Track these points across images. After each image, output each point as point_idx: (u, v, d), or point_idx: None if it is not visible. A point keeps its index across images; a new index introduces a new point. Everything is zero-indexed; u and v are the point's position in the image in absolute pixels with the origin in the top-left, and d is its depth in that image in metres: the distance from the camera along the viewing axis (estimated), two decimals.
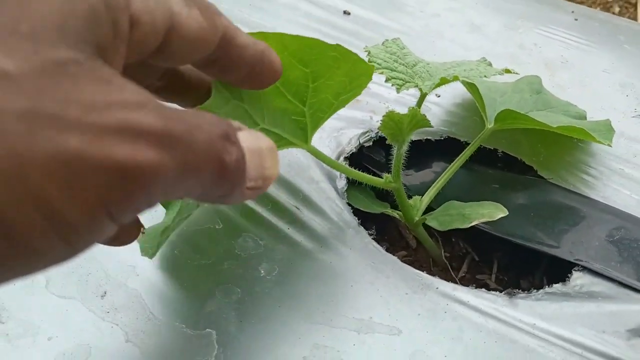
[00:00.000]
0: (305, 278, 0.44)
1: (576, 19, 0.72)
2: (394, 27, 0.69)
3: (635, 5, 1.35)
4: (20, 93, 0.18)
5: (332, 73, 0.37)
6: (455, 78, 0.45)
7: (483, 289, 0.44)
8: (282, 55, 0.32)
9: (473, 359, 0.39)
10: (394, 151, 0.46)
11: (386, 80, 0.44)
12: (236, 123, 0.25)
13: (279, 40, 0.33)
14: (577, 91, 0.61)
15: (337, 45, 0.35)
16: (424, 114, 0.42)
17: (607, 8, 1.38)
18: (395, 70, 0.45)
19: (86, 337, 0.40)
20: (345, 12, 0.71)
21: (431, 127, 0.44)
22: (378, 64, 0.45)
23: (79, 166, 0.18)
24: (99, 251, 0.42)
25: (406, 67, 0.46)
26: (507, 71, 0.47)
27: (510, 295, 0.43)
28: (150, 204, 0.21)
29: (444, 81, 0.45)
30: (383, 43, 0.47)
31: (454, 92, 0.60)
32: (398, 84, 0.44)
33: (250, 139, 0.25)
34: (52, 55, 0.19)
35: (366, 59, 0.45)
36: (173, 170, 0.20)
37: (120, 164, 0.19)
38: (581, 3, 1.39)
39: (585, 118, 0.53)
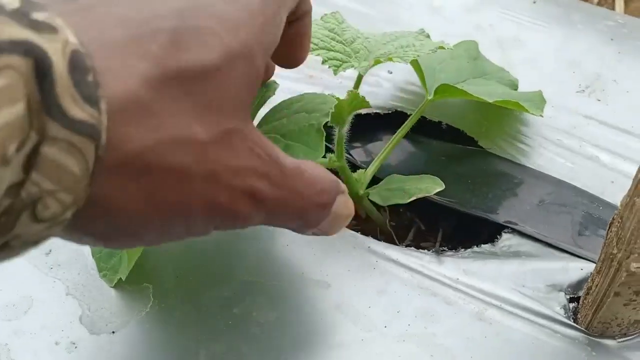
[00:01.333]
0: (244, 239, 0.46)
1: (534, 2, 0.74)
2: (353, 7, 0.71)
3: None
4: (208, 160, 0.25)
5: None
6: (389, 59, 0.46)
7: (412, 248, 0.46)
8: None
9: (395, 310, 0.41)
10: (336, 132, 0.48)
11: (323, 62, 0.46)
12: (342, 186, 0.32)
13: None
14: (526, 69, 0.62)
15: None
16: (362, 96, 0.44)
17: None
18: (332, 50, 0.46)
19: (29, 290, 0.42)
20: None
21: (370, 107, 0.46)
22: (315, 44, 0.46)
23: (215, 213, 0.26)
24: None
25: (344, 44, 0.47)
26: (441, 47, 0.48)
27: (438, 253, 0.45)
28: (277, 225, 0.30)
29: (377, 62, 0.46)
30: (322, 18, 0.48)
31: (407, 68, 0.62)
32: (335, 65, 0.46)
33: (342, 206, 0.31)
34: (227, 125, 0.25)
35: None
36: (263, 222, 0.29)
37: (236, 215, 0.27)
38: None
39: (517, 86, 0.55)
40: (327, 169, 0.52)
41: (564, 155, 0.53)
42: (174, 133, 0.24)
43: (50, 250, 0.44)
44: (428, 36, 0.51)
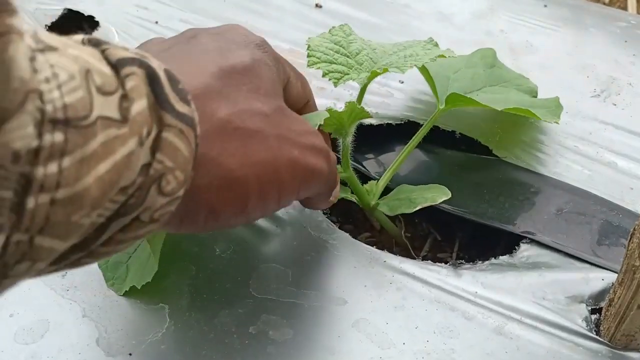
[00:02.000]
0: (259, 255, 0.46)
1: (545, 5, 0.73)
2: (364, 18, 0.71)
3: None
4: (273, 125, 0.35)
5: None
6: (385, 70, 0.46)
7: (429, 261, 0.45)
8: None
9: (413, 325, 0.41)
10: (340, 143, 0.48)
11: (323, 75, 0.46)
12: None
13: None
14: (539, 74, 0.61)
15: None
16: (361, 107, 0.44)
17: None
18: (334, 63, 0.46)
19: (46, 313, 0.42)
20: (317, 5, 0.73)
21: (370, 117, 0.46)
22: (317, 57, 0.46)
23: (297, 166, 0.36)
24: None
25: (348, 56, 0.47)
26: (442, 56, 0.47)
27: (455, 266, 0.44)
28: (312, 193, 0.40)
29: (374, 74, 0.46)
30: (330, 30, 0.48)
31: (418, 78, 0.61)
32: (335, 78, 0.46)
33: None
34: (276, 103, 0.37)
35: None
36: (328, 174, 0.39)
37: (312, 167, 0.37)
38: None
39: (536, 92, 0.54)
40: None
41: (581, 162, 0.52)
42: (244, 106, 0.34)
43: (65, 273, 0.44)
44: (436, 44, 0.50)
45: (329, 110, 0.42)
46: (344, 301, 0.42)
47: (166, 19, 0.69)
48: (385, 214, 0.51)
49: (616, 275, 0.39)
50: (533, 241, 0.47)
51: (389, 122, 0.58)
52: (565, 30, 0.68)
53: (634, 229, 0.36)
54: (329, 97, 0.60)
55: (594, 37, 0.67)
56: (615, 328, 0.39)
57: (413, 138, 0.51)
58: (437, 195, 0.46)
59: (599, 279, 0.43)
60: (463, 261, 0.45)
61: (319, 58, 0.45)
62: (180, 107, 0.28)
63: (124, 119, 0.25)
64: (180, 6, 0.71)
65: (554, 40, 0.67)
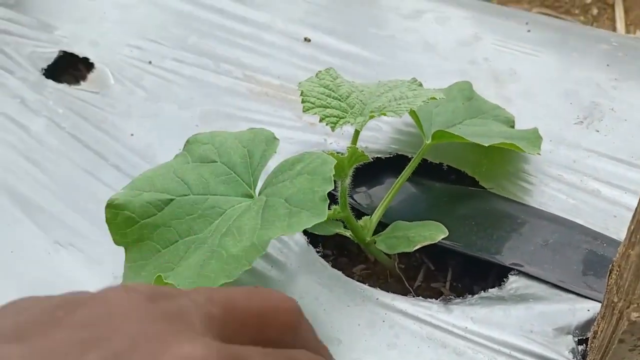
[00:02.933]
0: None
1: (529, 31, 0.74)
2: (352, 50, 0.72)
3: (612, 6, 1.37)
4: None
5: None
6: (382, 113, 0.47)
7: (420, 297, 0.47)
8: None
9: None
10: (339, 185, 0.49)
11: (320, 120, 0.47)
12: None
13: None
14: (522, 102, 0.63)
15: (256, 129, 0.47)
16: (361, 150, 0.45)
17: (585, 10, 1.41)
18: (328, 107, 0.47)
19: None
20: (305, 39, 0.74)
21: (369, 159, 0.47)
22: (312, 102, 0.48)
23: None
24: None
25: (340, 100, 0.49)
26: (433, 98, 0.49)
27: (446, 301, 0.46)
28: None
29: (372, 116, 0.48)
30: (317, 75, 0.50)
31: None
32: (332, 122, 0.47)
33: None
34: None
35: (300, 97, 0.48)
36: None
37: None
38: (559, 7, 1.41)
39: (513, 122, 0.56)
40: (333, 219, 0.54)
41: (565, 191, 0.53)
42: None
43: None
44: (421, 84, 0.52)
45: (333, 154, 0.43)
46: (339, 341, 0.43)
47: (159, 59, 0.71)
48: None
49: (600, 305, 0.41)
50: (521, 272, 0.48)
51: (378, 155, 0.59)
52: (549, 55, 0.70)
53: (612, 266, 0.37)
54: (320, 132, 0.62)
55: (577, 61, 0.69)
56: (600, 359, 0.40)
57: (403, 173, 0.53)
58: (435, 233, 0.48)
59: (585, 310, 0.45)
60: (453, 295, 0.47)
61: (313, 103, 0.47)
62: None
63: None
64: (172, 45, 0.73)
65: (538, 66, 0.68)
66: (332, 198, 0.57)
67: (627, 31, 1.31)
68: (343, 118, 0.47)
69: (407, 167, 0.53)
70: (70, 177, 0.57)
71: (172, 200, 0.44)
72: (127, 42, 0.73)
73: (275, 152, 0.47)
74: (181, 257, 0.41)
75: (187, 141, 0.48)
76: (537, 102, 0.63)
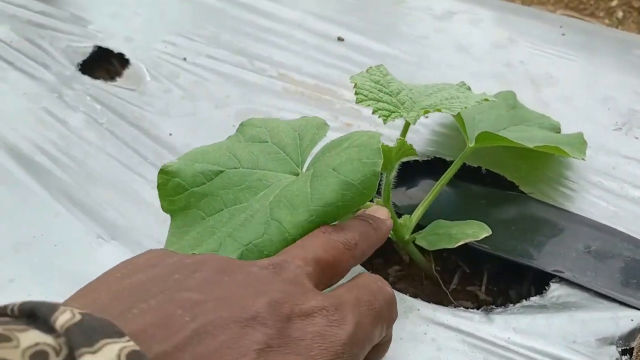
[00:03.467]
0: None
1: (563, 34, 0.74)
2: (385, 50, 0.72)
3: (638, 10, 1.36)
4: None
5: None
6: (437, 109, 0.47)
7: (462, 308, 0.47)
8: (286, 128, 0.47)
9: None
10: (384, 177, 0.49)
11: (373, 112, 0.47)
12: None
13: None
14: (560, 106, 0.63)
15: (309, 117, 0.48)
16: (410, 144, 0.45)
17: (610, 13, 1.40)
18: (380, 101, 0.48)
19: None
20: (339, 39, 0.74)
21: (417, 155, 0.47)
22: (364, 95, 0.48)
23: None
24: None
25: (391, 95, 0.49)
26: (486, 100, 0.49)
27: (487, 311, 0.46)
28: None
29: (426, 112, 0.48)
30: (367, 70, 0.49)
31: (438, 113, 0.63)
32: (384, 115, 0.47)
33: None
34: None
35: (353, 90, 0.48)
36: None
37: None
38: (584, 9, 1.40)
39: (559, 129, 0.55)
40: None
41: (605, 198, 0.53)
42: None
43: None
44: (469, 88, 0.52)
45: (382, 145, 0.43)
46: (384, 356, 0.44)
47: (194, 55, 0.71)
48: (420, 248, 0.53)
49: None
50: (562, 279, 0.48)
51: (416, 158, 0.59)
52: (584, 59, 0.70)
53: None
54: None
55: (613, 66, 0.68)
56: None
57: (444, 174, 0.53)
58: (478, 231, 0.48)
59: (629, 319, 0.45)
60: (491, 300, 0.47)
61: (366, 96, 0.47)
62: None
63: None
64: (206, 41, 0.73)
65: (574, 70, 0.68)
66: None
67: None
68: (395, 112, 0.47)
69: (449, 169, 0.53)
70: (111, 173, 0.57)
71: (222, 171, 0.45)
72: (161, 37, 0.74)
73: (325, 136, 0.47)
74: (224, 224, 0.42)
75: (241, 124, 0.50)
76: (575, 106, 0.63)
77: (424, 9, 0.79)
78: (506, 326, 0.44)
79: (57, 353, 0.23)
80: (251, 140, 0.48)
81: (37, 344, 0.23)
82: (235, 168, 0.46)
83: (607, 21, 1.38)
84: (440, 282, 0.57)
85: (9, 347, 0.22)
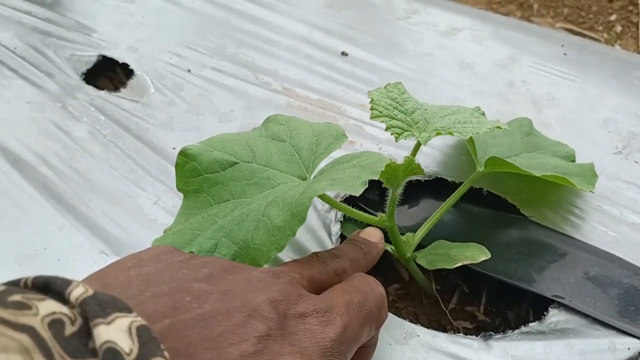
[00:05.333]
0: None
1: (565, 54, 0.75)
2: (389, 67, 0.73)
3: (637, 25, 1.37)
4: None
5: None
6: (449, 133, 0.48)
7: (461, 334, 0.47)
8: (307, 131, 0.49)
9: None
10: (389, 193, 0.50)
11: (386, 129, 0.48)
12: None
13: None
14: (562, 129, 0.64)
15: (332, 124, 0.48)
16: (418, 163, 0.46)
17: (609, 27, 1.40)
18: (395, 119, 0.48)
19: None
20: (343, 53, 0.75)
21: (424, 174, 0.48)
22: (380, 111, 0.48)
23: None
24: None
25: (405, 114, 0.49)
26: (498, 127, 0.49)
27: (486, 338, 0.46)
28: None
29: (438, 134, 0.48)
30: (385, 87, 0.50)
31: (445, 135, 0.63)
32: (397, 133, 0.48)
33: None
34: None
35: (369, 105, 0.49)
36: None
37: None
38: (583, 23, 1.41)
39: (574, 157, 0.56)
40: (377, 227, 0.54)
41: (605, 223, 0.54)
42: None
43: None
44: (483, 113, 0.52)
45: (390, 162, 0.44)
46: None
47: (199, 67, 0.72)
48: (420, 267, 0.53)
49: None
50: (561, 305, 0.48)
51: (418, 178, 0.60)
52: (586, 80, 0.70)
53: None
54: (358, 150, 0.62)
55: (615, 88, 0.69)
56: None
57: (451, 197, 0.53)
58: (477, 254, 0.48)
59: (625, 348, 0.45)
60: (493, 332, 0.47)
61: (381, 112, 0.47)
62: None
63: None
64: (211, 53, 0.73)
65: (575, 91, 0.69)
66: (380, 206, 0.57)
67: None
68: (408, 131, 0.48)
69: (456, 192, 0.53)
70: (115, 187, 0.57)
71: (236, 163, 0.47)
72: (166, 48, 0.74)
73: (340, 147, 0.48)
74: (226, 215, 0.44)
75: (267, 119, 0.51)
76: (576, 129, 0.64)
77: (429, 25, 0.79)
78: (504, 353, 0.45)
79: (72, 322, 0.25)
80: (271, 137, 0.49)
81: (54, 313, 0.25)
82: (250, 162, 0.47)
83: (605, 35, 1.38)
84: (440, 301, 0.57)
85: (29, 314, 0.24)
